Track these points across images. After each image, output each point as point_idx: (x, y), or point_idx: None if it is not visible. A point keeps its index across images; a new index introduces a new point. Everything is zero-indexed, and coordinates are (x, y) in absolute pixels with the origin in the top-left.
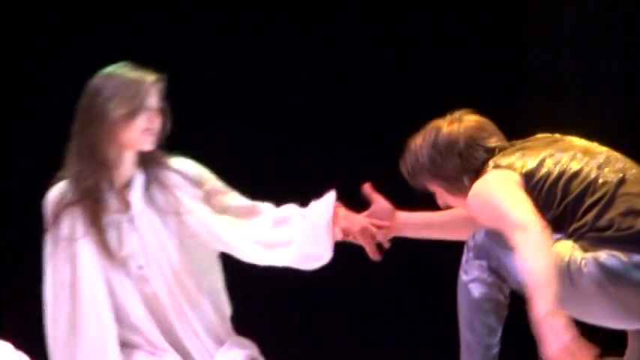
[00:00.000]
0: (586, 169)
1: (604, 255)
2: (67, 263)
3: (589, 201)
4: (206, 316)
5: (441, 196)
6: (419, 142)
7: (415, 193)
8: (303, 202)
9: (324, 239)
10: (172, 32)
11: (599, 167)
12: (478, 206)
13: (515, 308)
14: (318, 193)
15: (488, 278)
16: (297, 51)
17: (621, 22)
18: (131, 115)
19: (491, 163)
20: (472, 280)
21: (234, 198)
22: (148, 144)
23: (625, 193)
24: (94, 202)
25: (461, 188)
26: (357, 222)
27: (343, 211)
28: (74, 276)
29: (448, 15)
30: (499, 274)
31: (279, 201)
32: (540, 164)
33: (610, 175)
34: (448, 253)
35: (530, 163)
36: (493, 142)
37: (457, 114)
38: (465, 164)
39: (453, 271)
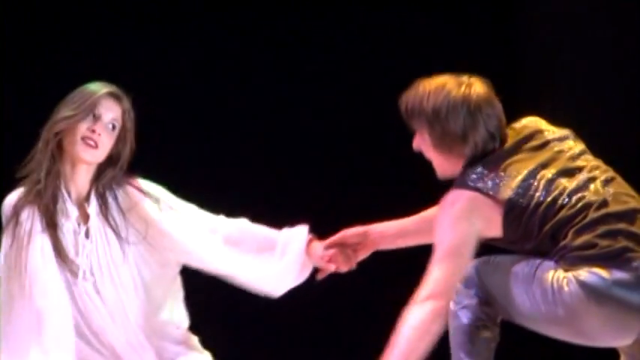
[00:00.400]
0: (565, 193)
1: (584, 273)
2: (24, 262)
3: (568, 226)
4: (157, 332)
5: (423, 143)
6: (429, 89)
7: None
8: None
9: (293, 275)
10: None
11: (580, 188)
12: (436, 227)
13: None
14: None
15: (478, 306)
16: (282, 56)
17: (620, 22)
18: (72, 117)
19: (474, 175)
20: (462, 308)
21: (191, 214)
22: (87, 154)
23: (605, 214)
24: (49, 205)
25: (452, 149)
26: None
27: (317, 243)
28: (32, 274)
29: (445, 15)
30: (489, 304)
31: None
32: (521, 190)
33: (591, 197)
34: None
35: (511, 188)
36: (492, 125)
37: (473, 79)
38: (466, 132)
39: None
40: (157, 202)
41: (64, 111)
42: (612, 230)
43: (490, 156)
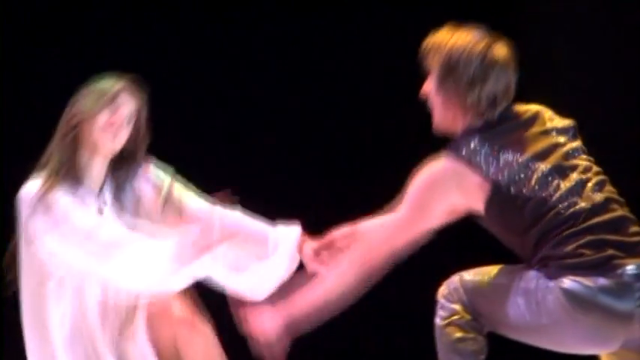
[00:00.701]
0: (557, 194)
1: (568, 281)
2: (81, 217)
3: (554, 232)
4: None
5: (429, 87)
6: (453, 34)
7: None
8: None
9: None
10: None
11: (572, 191)
12: (410, 187)
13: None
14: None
15: (463, 320)
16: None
17: (620, 22)
18: (94, 108)
19: (469, 146)
20: (448, 324)
21: (191, 202)
22: (107, 144)
23: (593, 224)
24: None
25: (454, 95)
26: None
27: (309, 242)
28: (94, 223)
29: (446, 15)
30: (474, 317)
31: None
32: (513, 178)
33: (581, 204)
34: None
35: (503, 172)
36: (500, 87)
37: (499, 41)
38: (474, 81)
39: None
40: (159, 191)
41: (84, 102)
42: (599, 240)
43: (489, 130)
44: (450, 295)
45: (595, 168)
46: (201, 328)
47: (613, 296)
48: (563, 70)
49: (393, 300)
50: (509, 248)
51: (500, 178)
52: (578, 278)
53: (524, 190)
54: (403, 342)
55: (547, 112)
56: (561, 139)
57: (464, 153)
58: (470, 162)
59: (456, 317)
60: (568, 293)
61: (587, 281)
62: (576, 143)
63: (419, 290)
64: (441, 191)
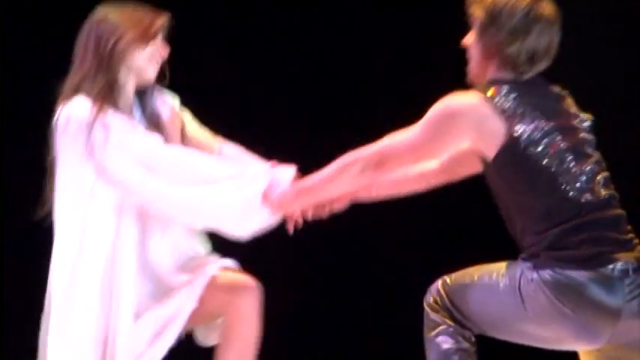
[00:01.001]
0: (567, 177)
1: (555, 274)
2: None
3: (556, 220)
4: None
5: (470, 38)
6: None
7: None
8: None
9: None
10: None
11: (583, 179)
12: (436, 106)
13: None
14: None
15: (451, 329)
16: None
17: (620, 21)
18: (140, 41)
19: (500, 89)
20: (437, 334)
21: (195, 130)
22: (151, 72)
23: (595, 219)
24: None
25: (493, 45)
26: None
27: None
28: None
29: (447, 15)
30: (461, 323)
31: None
32: (534, 140)
33: (587, 197)
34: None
35: (525, 131)
36: (542, 44)
37: (547, 1)
38: (516, 33)
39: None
40: (175, 112)
41: (130, 36)
42: (598, 236)
43: (523, 87)
44: (435, 302)
45: (603, 164)
46: (251, 299)
47: (603, 291)
48: (562, 69)
49: (390, 301)
50: (501, 241)
51: (521, 135)
52: (567, 272)
53: (539, 158)
54: (400, 344)
55: (570, 98)
56: (580, 125)
57: (496, 97)
58: (498, 108)
59: (442, 327)
60: (555, 287)
61: (577, 275)
62: (591, 136)
63: (413, 293)
64: (460, 125)
